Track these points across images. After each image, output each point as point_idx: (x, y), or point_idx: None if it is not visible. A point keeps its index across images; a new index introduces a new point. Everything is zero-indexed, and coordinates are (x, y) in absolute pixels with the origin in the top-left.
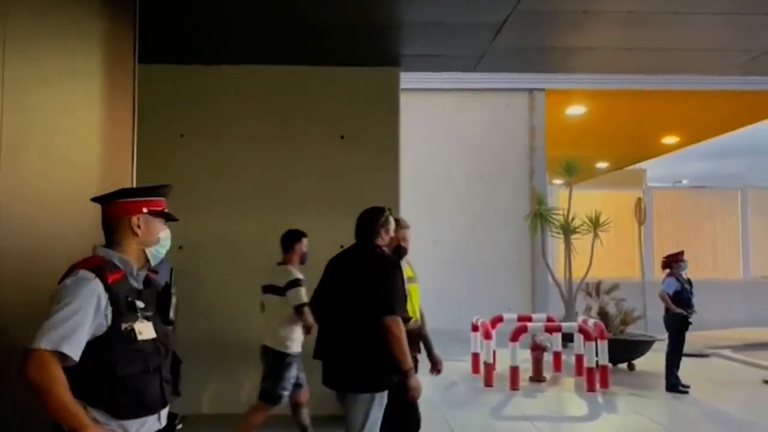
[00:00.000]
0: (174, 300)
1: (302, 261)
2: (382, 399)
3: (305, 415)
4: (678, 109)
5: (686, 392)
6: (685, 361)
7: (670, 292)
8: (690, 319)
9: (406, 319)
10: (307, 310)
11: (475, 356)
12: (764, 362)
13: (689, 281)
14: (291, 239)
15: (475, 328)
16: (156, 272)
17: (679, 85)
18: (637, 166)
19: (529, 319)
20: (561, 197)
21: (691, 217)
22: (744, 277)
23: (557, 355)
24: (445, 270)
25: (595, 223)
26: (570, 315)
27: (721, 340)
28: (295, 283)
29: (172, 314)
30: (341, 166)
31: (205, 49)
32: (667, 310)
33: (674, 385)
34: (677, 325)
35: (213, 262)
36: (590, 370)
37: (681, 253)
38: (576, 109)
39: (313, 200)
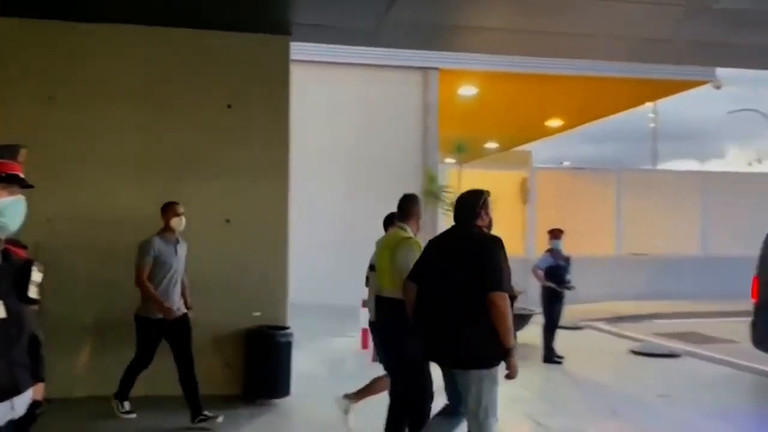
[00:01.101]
0: (38, 277)
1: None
2: (493, 374)
3: None
4: (562, 94)
5: (560, 362)
6: (561, 333)
7: (543, 268)
8: (562, 294)
9: (513, 297)
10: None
11: (365, 331)
12: (632, 333)
13: (567, 258)
14: (392, 221)
15: (364, 304)
16: (24, 247)
17: (564, 70)
18: (524, 147)
19: None
20: (452, 176)
21: (572, 197)
22: (616, 254)
23: None
24: (337, 246)
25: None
26: None
27: (595, 312)
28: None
29: (34, 293)
30: (227, 135)
31: (77, 3)
32: (542, 285)
33: (549, 356)
34: (551, 299)
35: (84, 235)
36: None
37: (558, 230)
38: (468, 90)
39: (196, 171)
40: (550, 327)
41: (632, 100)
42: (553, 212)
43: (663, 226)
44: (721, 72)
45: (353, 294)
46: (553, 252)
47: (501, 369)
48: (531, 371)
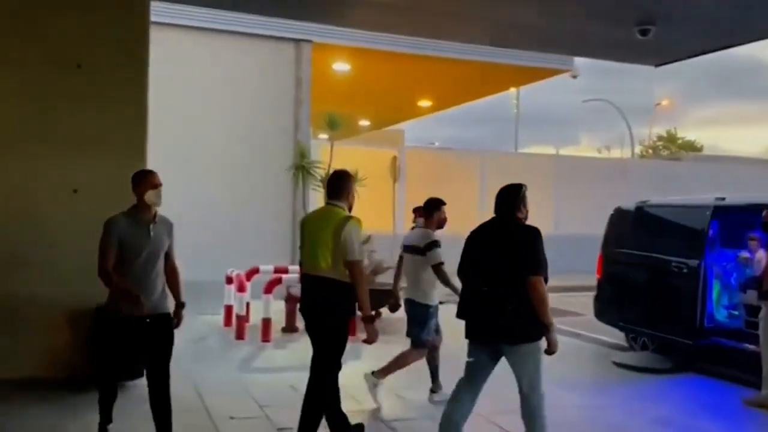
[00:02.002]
0: None
1: (440, 226)
2: (539, 347)
3: (438, 357)
4: (432, 75)
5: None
6: None
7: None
8: None
9: (546, 280)
10: (443, 267)
11: (228, 309)
12: None
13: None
14: (432, 207)
15: (229, 281)
16: None
17: (434, 52)
18: (397, 126)
19: (286, 271)
20: (324, 152)
21: (440, 176)
22: None
23: None
24: (204, 221)
25: (355, 179)
26: None
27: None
28: (435, 245)
29: None
30: (76, 99)
31: None
32: None
33: None
34: None
35: None
36: None
37: (421, 208)
38: (342, 65)
39: (36, 138)
40: None
41: (497, 85)
42: (422, 191)
43: None
44: (578, 62)
45: (217, 270)
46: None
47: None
48: (396, 346)
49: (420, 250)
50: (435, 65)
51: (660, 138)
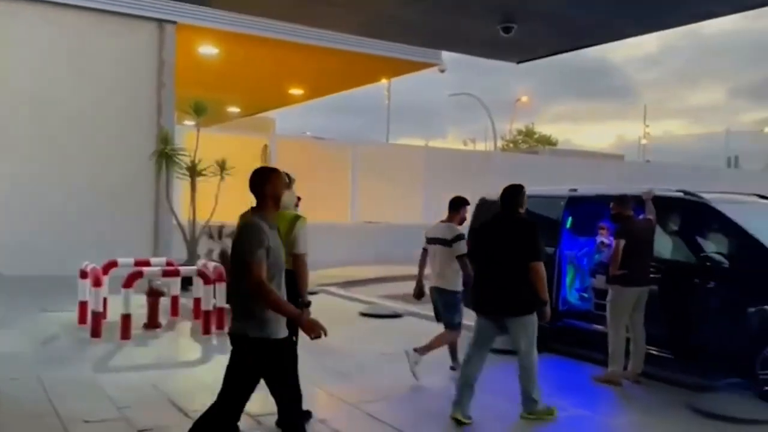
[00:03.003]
0: None
1: (461, 222)
2: (535, 317)
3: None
4: (304, 63)
5: None
6: None
7: None
8: None
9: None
10: (466, 259)
11: (83, 305)
12: (362, 296)
13: None
14: (458, 205)
15: (83, 275)
16: None
17: (306, 39)
18: (268, 114)
19: (148, 264)
20: (189, 138)
21: (311, 165)
22: (351, 221)
23: (175, 300)
24: (54, 211)
25: (223, 167)
26: (192, 258)
27: (330, 277)
28: (461, 237)
29: None
30: None
31: None
32: None
33: None
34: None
35: None
36: (207, 312)
37: (297, 198)
38: (209, 49)
39: None
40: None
41: (369, 76)
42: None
43: (393, 196)
44: (446, 57)
45: (70, 264)
46: None
47: None
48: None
49: (447, 242)
50: (306, 53)
51: (519, 132)
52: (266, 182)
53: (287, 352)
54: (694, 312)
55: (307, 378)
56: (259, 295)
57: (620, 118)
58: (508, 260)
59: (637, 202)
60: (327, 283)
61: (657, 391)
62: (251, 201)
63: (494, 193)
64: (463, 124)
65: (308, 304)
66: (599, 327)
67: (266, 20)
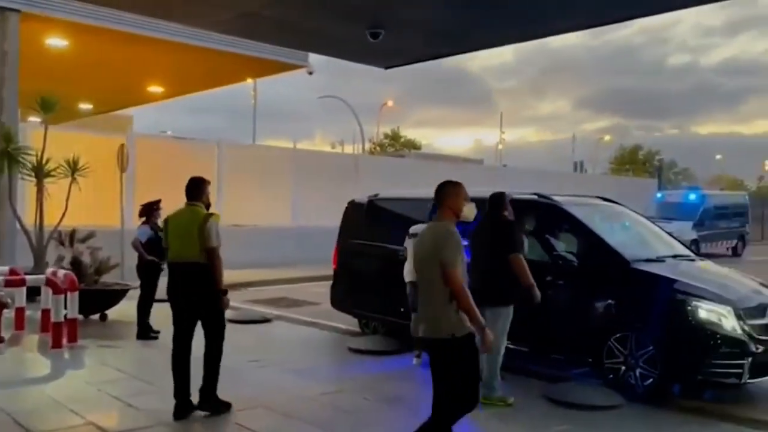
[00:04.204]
0: None
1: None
2: (510, 310)
3: None
4: (163, 59)
5: (156, 338)
6: (156, 307)
7: (143, 240)
8: (162, 267)
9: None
10: None
11: None
12: (235, 303)
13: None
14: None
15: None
16: None
17: (166, 35)
18: (125, 112)
19: None
20: (36, 137)
21: (174, 166)
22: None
23: (20, 312)
24: None
25: (74, 167)
26: (40, 266)
27: None
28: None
29: None
30: None
31: None
32: (140, 258)
33: (145, 332)
34: (149, 272)
35: None
36: (57, 324)
37: (157, 201)
38: (58, 41)
39: None
40: (147, 302)
41: (233, 75)
42: (154, 182)
43: (261, 198)
44: (313, 59)
45: None
46: (151, 223)
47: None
48: (125, 351)
49: None
50: (165, 49)
51: (386, 136)
52: (450, 196)
53: (472, 346)
54: (548, 308)
55: (169, 390)
56: (461, 297)
57: (478, 124)
58: (489, 255)
59: None
60: None
61: (516, 382)
62: (108, 203)
63: (363, 196)
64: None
65: (225, 291)
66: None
67: (122, 13)
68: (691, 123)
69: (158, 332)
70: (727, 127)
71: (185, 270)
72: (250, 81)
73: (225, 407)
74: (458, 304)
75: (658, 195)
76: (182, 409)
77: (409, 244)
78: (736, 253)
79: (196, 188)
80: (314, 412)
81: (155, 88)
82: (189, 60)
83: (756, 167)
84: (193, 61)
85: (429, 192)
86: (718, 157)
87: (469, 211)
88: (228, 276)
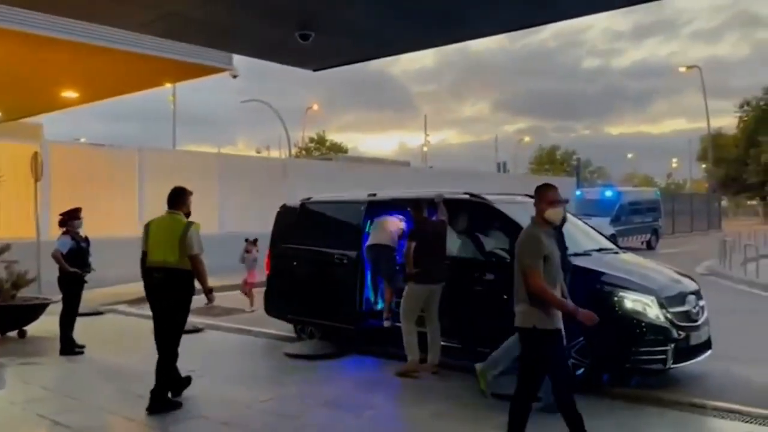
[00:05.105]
0: None
1: None
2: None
3: None
4: (80, 63)
5: (81, 353)
6: (80, 321)
7: (64, 251)
8: (86, 278)
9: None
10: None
11: None
12: None
13: (86, 239)
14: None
15: None
16: None
17: (79, 37)
18: (34, 119)
19: None
20: None
21: (92, 174)
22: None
23: None
24: None
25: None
26: None
27: (117, 295)
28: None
29: None
30: None
31: None
32: (62, 269)
33: (69, 347)
34: (71, 284)
35: None
36: None
37: (77, 210)
38: None
39: None
40: (70, 316)
41: (152, 79)
42: (71, 191)
43: None
44: (237, 62)
45: None
46: (71, 233)
47: None
48: (48, 367)
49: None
50: (81, 52)
51: (312, 140)
52: (536, 200)
53: (554, 342)
54: (481, 304)
55: (101, 405)
56: (539, 296)
57: (401, 127)
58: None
59: (430, 204)
60: (115, 301)
61: (452, 379)
62: (22, 213)
63: (295, 200)
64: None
65: (211, 290)
66: (399, 324)
67: (32, 13)
68: (603, 123)
69: (83, 347)
70: (637, 127)
71: (164, 275)
72: (168, 85)
73: (176, 407)
74: (539, 301)
75: (577, 193)
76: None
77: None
78: (650, 246)
79: (177, 197)
80: (254, 419)
81: (69, 93)
82: (106, 64)
83: (664, 165)
84: (111, 65)
85: (361, 194)
86: (629, 155)
87: (554, 215)
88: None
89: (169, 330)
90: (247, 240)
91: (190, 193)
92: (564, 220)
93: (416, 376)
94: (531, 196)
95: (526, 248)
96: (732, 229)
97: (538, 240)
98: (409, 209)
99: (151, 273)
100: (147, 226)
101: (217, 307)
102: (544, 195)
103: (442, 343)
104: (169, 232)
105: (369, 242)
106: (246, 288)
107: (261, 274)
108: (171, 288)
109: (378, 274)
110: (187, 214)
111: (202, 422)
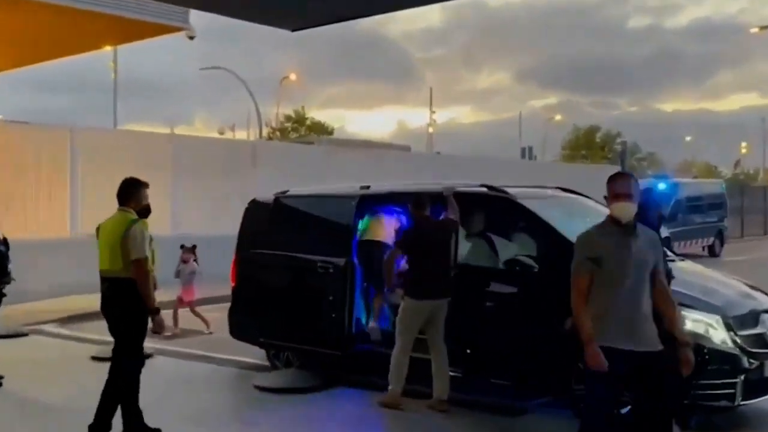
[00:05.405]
0: None
1: None
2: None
3: None
4: (3, 19)
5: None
6: (2, 346)
7: None
8: (4, 291)
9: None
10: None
11: None
12: (93, 335)
13: (4, 241)
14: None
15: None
16: None
17: None
18: None
19: None
20: None
21: (10, 160)
22: (73, 235)
23: None
24: None
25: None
26: None
27: (44, 313)
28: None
29: None
30: None
31: None
32: None
33: None
34: None
35: None
36: None
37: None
38: None
39: None
40: None
41: (87, 40)
42: None
43: None
44: (194, 20)
45: None
46: None
47: None
48: None
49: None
50: (4, 6)
51: (288, 118)
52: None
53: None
54: (499, 324)
55: None
56: (572, 303)
57: (400, 102)
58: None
59: (436, 200)
60: (41, 320)
61: (462, 416)
62: None
63: (268, 193)
64: (215, 108)
65: (157, 310)
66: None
67: None
68: (654, 99)
69: (2, 377)
70: (696, 104)
71: (108, 286)
72: (109, 49)
73: None
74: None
75: None
76: None
77: None
78: (713, 252)
79: (124, 191)
80: None
81: None
82: (35, 21)
83: (731, 150)
84: (41, 23)
85: (351, 187)
86: (687, 138)
87: (618, 210)
88: (88, 302)
89: (121, 352)
90: (182, 246)
91: (145, 185)
92: (648, 219)
93: (398, 408)
94: (565, 190)
95: (574, 249)
96: None
97: (585, 239)
98: (408, 206)
99: (101, 283)
100: (98, 230)
101: (167, 327)
102: (609, 187)
103: (451, 373)
104: (112, 235)
105: (362, 238)
106: (181, 306)
107: (211, 288)
108: (118, 302)
109: (371, 280)
110: (145, 211)
111: None
